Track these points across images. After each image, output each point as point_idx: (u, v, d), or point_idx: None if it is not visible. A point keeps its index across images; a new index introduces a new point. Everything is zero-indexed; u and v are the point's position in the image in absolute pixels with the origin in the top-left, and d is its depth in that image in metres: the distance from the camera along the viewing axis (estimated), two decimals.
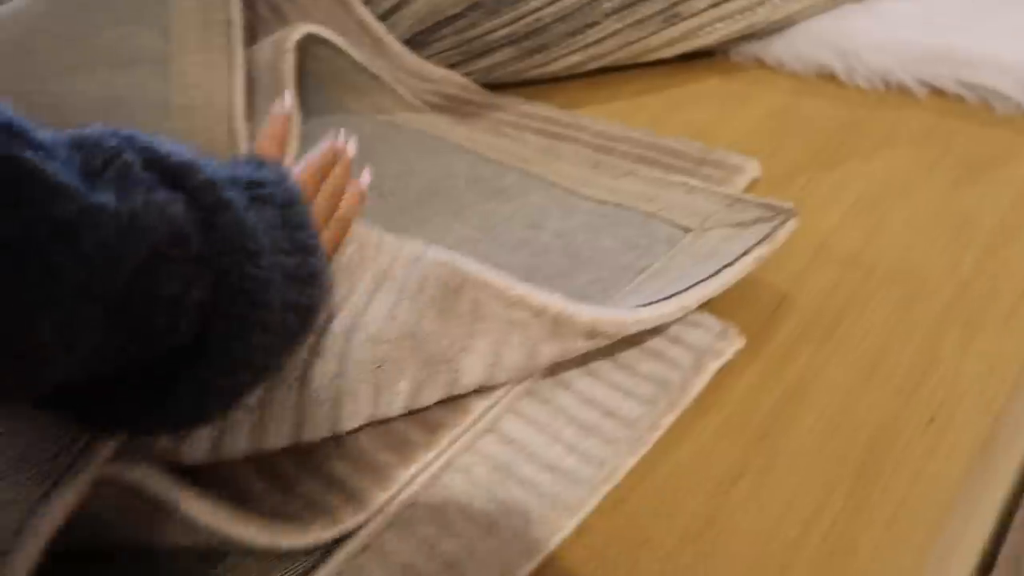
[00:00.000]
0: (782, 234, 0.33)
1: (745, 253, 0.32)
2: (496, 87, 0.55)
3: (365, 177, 0.36)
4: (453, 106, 0.54)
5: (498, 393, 0.32)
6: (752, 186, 0.40)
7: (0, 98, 0.21)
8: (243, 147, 0.42)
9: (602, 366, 0.33)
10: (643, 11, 0.50)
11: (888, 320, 0.33)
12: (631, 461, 0.29)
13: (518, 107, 0.52)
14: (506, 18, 0.51)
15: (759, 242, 0.33)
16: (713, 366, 0.32)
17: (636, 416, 0.30)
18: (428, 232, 0.39)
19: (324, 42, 0.50)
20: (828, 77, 0.47)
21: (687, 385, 0.31)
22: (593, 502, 0.28)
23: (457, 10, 0.51)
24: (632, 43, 0.51)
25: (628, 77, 0.53)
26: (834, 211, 0.38)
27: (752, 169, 0.41)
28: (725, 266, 0.32)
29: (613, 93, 0.52)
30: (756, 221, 0.34)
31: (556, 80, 0.54)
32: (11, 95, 0.42)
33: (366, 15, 0.52)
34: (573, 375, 0.33)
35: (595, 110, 0.51)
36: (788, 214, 0.34)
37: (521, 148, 0.45)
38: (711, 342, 0.32)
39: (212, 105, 0.42)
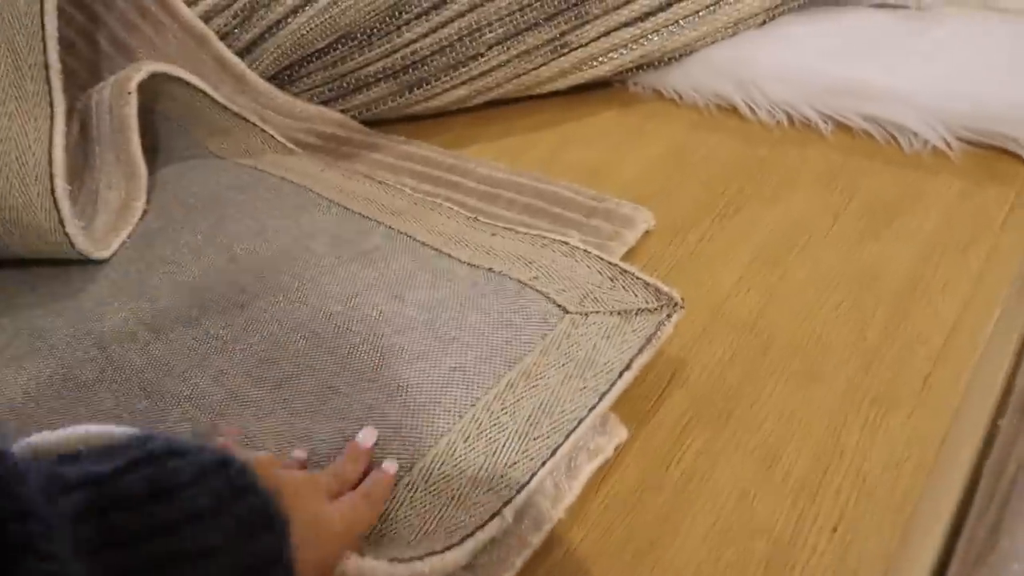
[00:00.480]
0: (666, 332, 0.29)
1: (626, 368, 0.28)
2: (378, 123, 0.50)
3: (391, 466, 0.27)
4: (329, 146, 0.49)
5: None
6: (645, 239, 0.36)
7: None
8: (65, 210, 0.36)
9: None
10: (529, 41, 0.46)
11: (789, 401, 0.29)
12: None
13: (398, 147, 0.47)
14: (379, 51, 0.46)
15: (640, 350, 0.29)
16: (589, 468, 0.27)
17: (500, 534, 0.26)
18: (277, 306, 0.34)
19: (178, 80, 0.44)
20: (728, 110, 0.44)
21: (559, 492, 0.27)
22: None
23: (324, 43, 0.46)
24: (521, 75, 0.47)
25: (522, 110, 0.49)
26: (732, 268, 0.34)
27: (645, 220, 0.37)
28: (602, 395, 0.28)
29: (504, 129, 0.48)
30: (639, 312, 0.30)
31: (443, 115, 0.49)
32: None
33: (223, 50, 0.46)
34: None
35: (483, 148, 0.46)
36: (673, 307, 0.30)
37: (394, 199, 0.40)
38: (589, 437, 0.28)
39: (26, 163, 0.36)
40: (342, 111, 0.49)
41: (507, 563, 0.25)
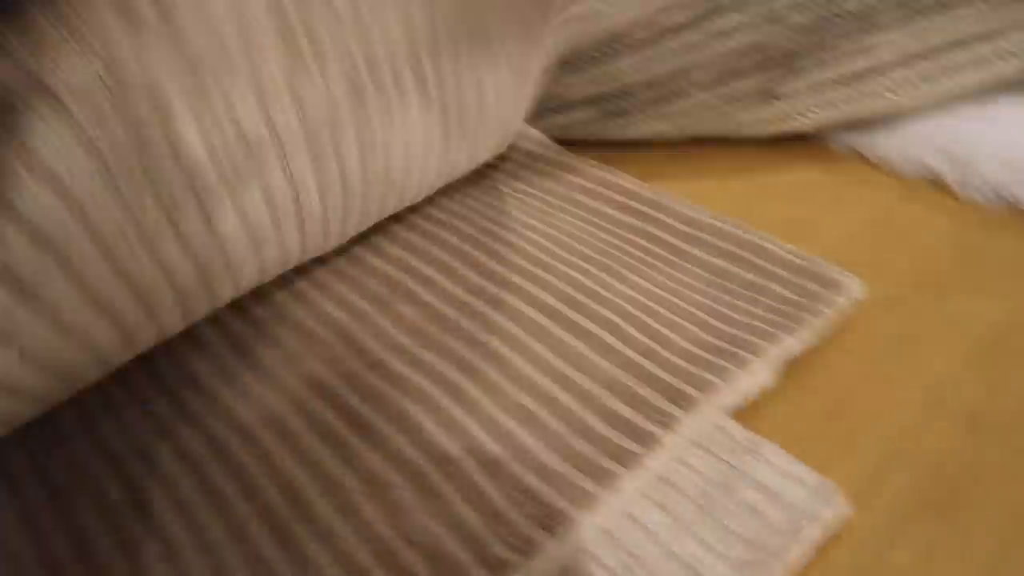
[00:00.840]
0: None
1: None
2: (569, 144, 0.51)
3: None
4: (526, 161, 0.51)
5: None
6: (852, 309, 0.37)
7: None
8: None
9: (687, 510, 0.30)
10: (737, 87, 0.46)
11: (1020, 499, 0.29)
12: None
13: (594, 172, 0.48)
14: (588, 76, 0.48)
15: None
16: (810, 534, 0.28)
17: None
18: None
19: None
20: (937, 184, 0.44)
21: (782, 553, 0.28)
22: None
23: None
24: (723, 118, 0.48)
25: (714, 153, 0.49)
26: (948, 355, 0.34)
27: (854, 289, 0.37)
28: None
29: (697, 169, 0.49)
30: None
31: (636, 145, 0.51)
32: None
33: None
34: (654, 517, 0.30)
35: (674, 186, 0.47)
36: None
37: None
38: (809, 503, 0.29)
39: None
40: (540, 128, 0.51)
41: None
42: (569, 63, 0.48)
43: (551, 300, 0.37)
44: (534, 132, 0.51)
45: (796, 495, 0.29)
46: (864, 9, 0.44)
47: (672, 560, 0.28)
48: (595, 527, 0.29)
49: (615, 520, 0.29)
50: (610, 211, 0.45)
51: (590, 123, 0.49)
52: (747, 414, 0.33)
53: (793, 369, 0.34)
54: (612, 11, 0.45)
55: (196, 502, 0.31)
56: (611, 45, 0.46)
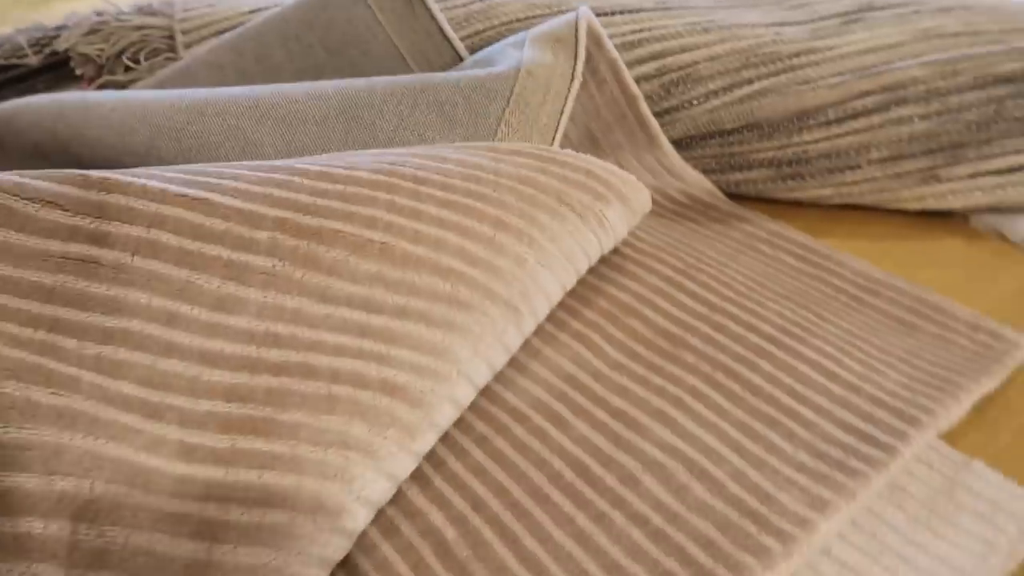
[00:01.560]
0: None
1: None
2: (736, 198, 0.58)
3: None
4: (697, 207, 0.58)
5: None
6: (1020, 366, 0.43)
7: None
8: None
9: (918, 510, 0.36)
10: (906, 167, 0.54)
11: None
12: None
13: (766, 224, 0.55)
14: (775, 143, 0.55)
15: None
16: None
17: (970, 568, 0.33)
18: None
19: None
20: None
21: (1014, 549, 0.34)
22: None
23: (733, 126, 0.55)
24: (885, 192, 0.55)
25: (868, 219, 0.56)
26: None
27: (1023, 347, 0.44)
28: None
29: (853, 231, 0.56)
30: None
31: (798, 204, 0.58)
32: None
33: (647, 112, 0.56)
34: (888, 511, 0.36)
35: (836, 244, 0.54)
36: None
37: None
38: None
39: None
40: (714, 182, 0.58)
41: None
42: (757, 129, 0.55)
43: (768, 328, 0.44)
44: (708, 183, 0.58)
45: (1009, 502, 0.35)
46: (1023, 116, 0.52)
47: (910, 546, 0.34)
48: (844, 522, 0.35)
49: (859, 515, 0.35)
50: (790, 260, 0.51)
51: (763, 182, 0.56)
52: (950, 439, 0.39)
53: (980, 407, 0.41)
54: (808, 90, 0.53)
55: (489, 468, 0.37)
56: (802, 119, 0.53)
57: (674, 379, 0.41)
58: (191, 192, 0.35)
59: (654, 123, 0.56)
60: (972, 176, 0.53)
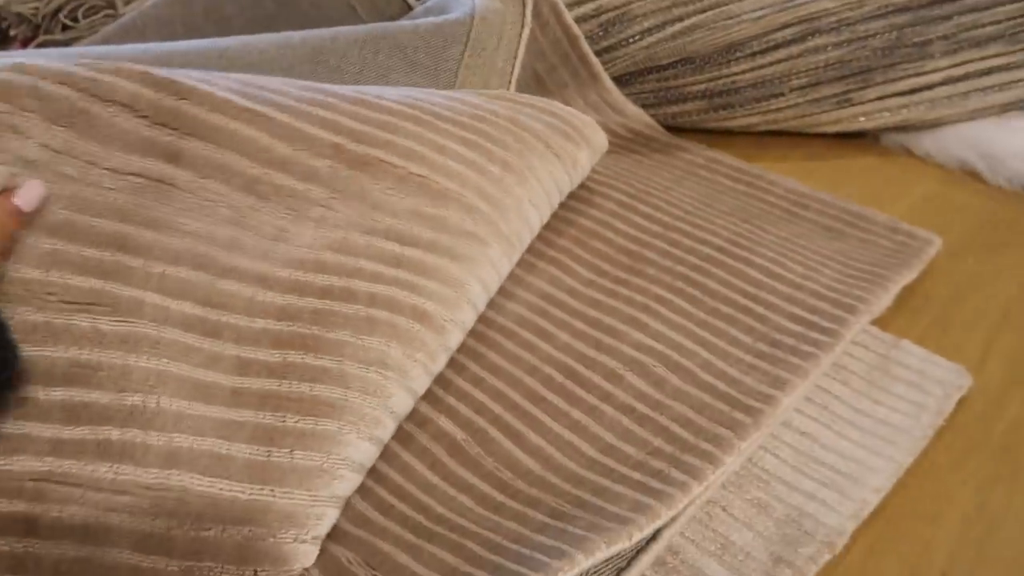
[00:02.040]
0: None
1: None
2: (674, 130, 0.63)
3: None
4: (639, 140, 0.62)
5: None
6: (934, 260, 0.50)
7: None
8: None
9: (859, 384, 0.41)
10: (823, 91, 0.59)
11: None
12: (910, 460, 0.38)
13: (703, 152, 0.60)
14: (707, 75, 0.59)
15: None
16: (956, 396, 0.40)
17: (906, 426, 0.39)
18: None
19: None
20: (972, 174, 0.58)
21: (940, 408, 0.40)
22: (889, 485, 0.37)
23: (668, 61, 0.59)
24: (806, 116, 0.60)
25: (794, 143, 0.62)
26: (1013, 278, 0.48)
27: (936, 243, 0.50)
28: None
29: (779, 156, 0.61)
30: None
31: (729, 133, 0.63)
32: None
33: (588, 51, 0.59)
34: (835, 387, 0.41)
35: (768, 166, 0.59)
36: None
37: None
38: (951, 378, 0.41)
39: None
40: (652, 115, 0.62)
41: None
42: (689, 63, 0.59)
43: (717, 240, 0.48)
44: (647, 118, 0.62)
45: (934, 371, 0.41)
46: (924, 42, 0.57)
47: (856, 413, 0.40)
48: (800, 398, 0.40)
49: (811, 392, 0.41)
50: (728, 182, 0.56)
51: (696, 113, 0.61)
52: (880, 323, 0.45)
53: (902, 296, 0.47)
54: (733, 24, 0.57)
55: (486, 378, 0.40)
56: (730, 51, 0.58)
57: (640, 289, 0.45)
58: (252, 106, 0.36)
59: (595, 61, 0.59)
60: (880, 99, 0.59)
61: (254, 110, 0.36)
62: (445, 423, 0.37)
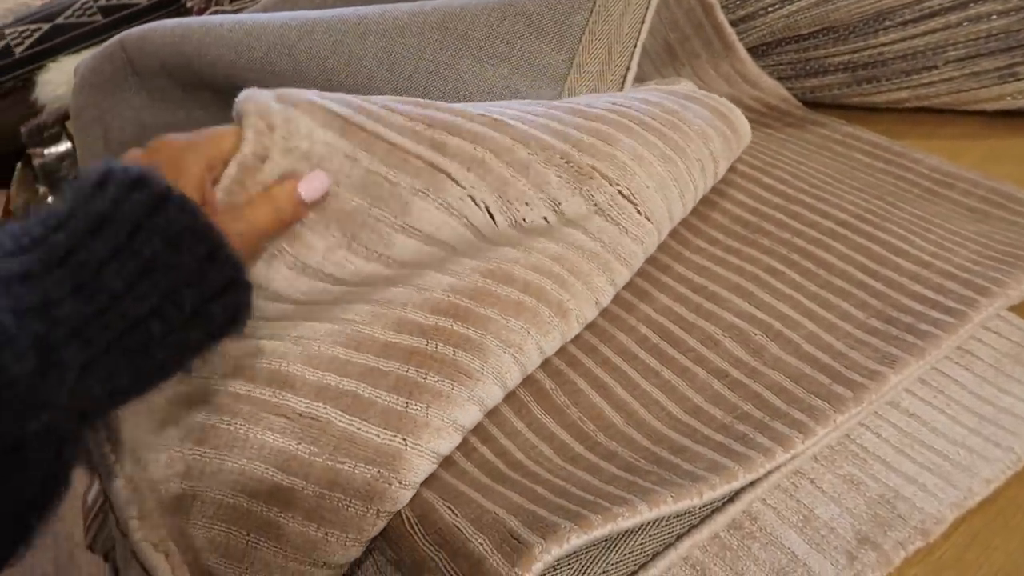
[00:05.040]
0: None
1: None
2: (813, 106, 0.60)
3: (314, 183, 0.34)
4: (773, 114, 0.60)
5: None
6: None
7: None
8: None
9: (986, 370, 0.38)
10: (984, 65, 0.54)
11: None
12: None
13: (841, 127, 0.57)
14: (852, 46, 0.56)
15: None
16: None
17: None
18: None
19: None
20: None
21: None
22: (1004, 477, 0.34)
23: (808, 31, 0.57)
24: (962, 92, 0.55)
25: (946, 120, 0.57)
26: None
27: None
28: None
29: (931, 132, 0.57)
30: None
31: (873, 110, 0.59)
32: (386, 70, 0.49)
33: (723, 19, 0.58)
34: (956, 371, 0.38)
35: (914, 144, 0.55)
36: None
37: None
38: None
39: None
40: (788, 89, 0.59)
41: None
42: (832, 33, 0.56)
43: (842, 215, 0.46)
44: (783, 91, 0.59)
45: None
46: None
47: (976, 399, 0.37)
48: (913, 379, 0.37)
49: (927, 374, 0.38)
50: (864, 158, 0.53)
51: (839, 87, 0.58)
52: (1019, 311, 0.41)
53: None
54: None
55: (582, 334, 0.41)
56: (879, 20, 0.54)
57: (751, 259, 0.44)
58: (488, 112, 0.39)
59: (730, 31, 0.58)
60: None
61: (490, 115, 0.39)
62: (535, 371, 0.38)
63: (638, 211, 0.40)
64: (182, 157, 0.31)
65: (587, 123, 0.41)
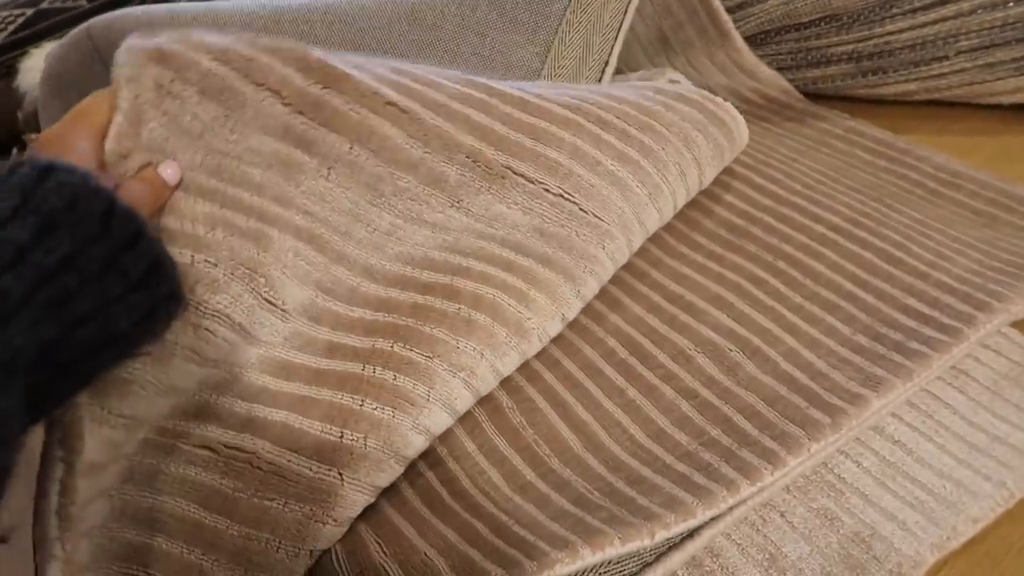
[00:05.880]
0: None
1: None
2: (816, 98, 0.56)
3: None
4: (772, 107, 0.56)
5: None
6: None
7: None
8: None
9: (981, 393, 0.35)
10: (998, 55, 0.50)
11: None
12: None
13: (844, 122, 0.54)
14: (856, 35, 0.53)
15: None
16: None
17: None
18: None
19: None
20: None
21: None
22: (993, 515, 0.31)
23: (809, 19, 0.53)
24: (975, 84, 0.52)
25: (957, 114, 0.54)
26: None
27: None
28: None
29: (942, 127, 0.53)
30: None
31: (879, 103, 0.55)
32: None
33: (719, 6, 0.54)
34: (949, 393, 0.35)
35: (922, 141, 0.52)
36: None
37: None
38: None
39: None
40: (789, 80, 0.56)
41: None
42: (835, 20, 0.53)
43: (835, 219, 0.43)
44: (783, 82, 0.56)
45: None
46: None
47: (968, 426, 0.34)
48: (899, 402, 0.34)
49: (916, 396, 0.35)
50: (864, 155, 0.50)
51: (842, 77, 0.54)
52: (1022, 328, 0.38)
53: None
54: None
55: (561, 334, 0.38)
56: (885, 7, 0.51)
57: (734, 267, 0.41)
58: (400, 101, 0.36)
59: (726, 18, 0.54)
60: None
61: (399, 105, 0.36)
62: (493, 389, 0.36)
63: (582, 209, 0.37)
64: (66, 135, 0.31)
65: (524, 117, 0.38)
